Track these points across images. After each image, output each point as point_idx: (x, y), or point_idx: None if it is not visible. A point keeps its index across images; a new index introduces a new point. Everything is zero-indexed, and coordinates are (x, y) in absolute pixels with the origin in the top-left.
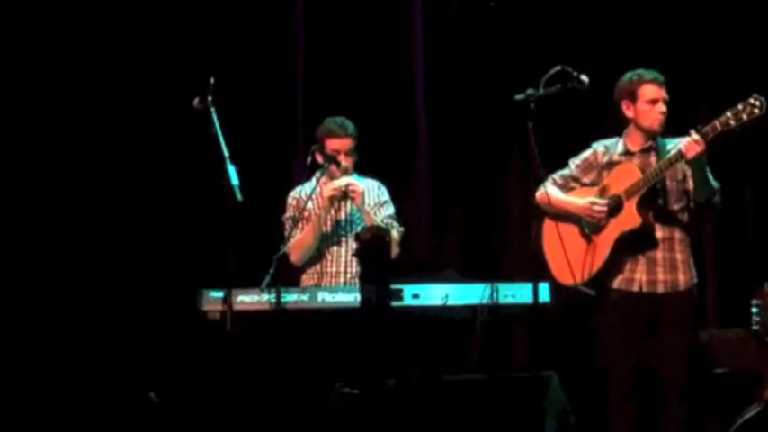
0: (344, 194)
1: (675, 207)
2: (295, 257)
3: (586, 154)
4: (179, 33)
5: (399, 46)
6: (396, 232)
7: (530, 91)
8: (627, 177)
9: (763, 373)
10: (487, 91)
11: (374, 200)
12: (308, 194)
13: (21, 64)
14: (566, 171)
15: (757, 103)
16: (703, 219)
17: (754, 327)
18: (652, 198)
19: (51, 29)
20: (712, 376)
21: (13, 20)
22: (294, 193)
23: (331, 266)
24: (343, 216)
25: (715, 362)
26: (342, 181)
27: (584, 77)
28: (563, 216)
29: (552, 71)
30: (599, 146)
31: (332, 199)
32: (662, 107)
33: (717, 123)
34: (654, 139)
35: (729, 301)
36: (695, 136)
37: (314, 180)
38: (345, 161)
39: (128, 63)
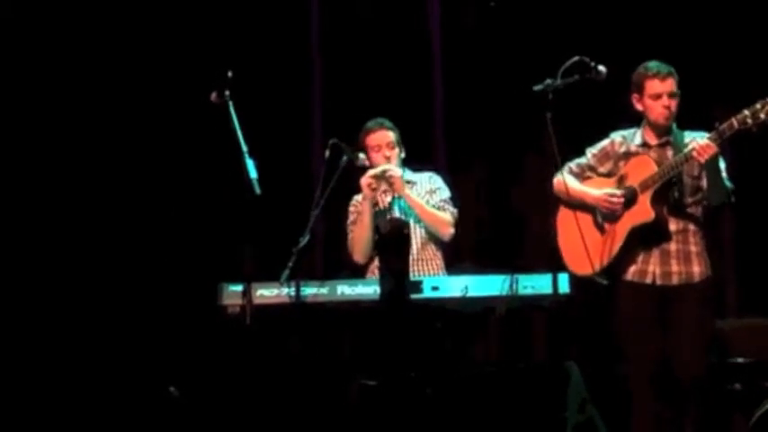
0: (386, 182)
1: (690, 200)
2: (356, 256)
3: (604, 143)
4: (197, 28)
5: (417, 38)
6: (449, 215)
7: (548, 81)
8: (643, 170)
9: None
10: (506, 82)
11: (425, 189)
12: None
13: (33, 59)
14: (582, 160)
15: None
16: (725, 208)
17: None
18: (666, 192)
19: (72, 24)
20: (733, 366)
21: (13, 19)
22: (354, 200)
23: None
24: (396, 209)
25: (736, 351)
26: (378, 169)
27: (601, 68)
28: (578, 205)
29: (570, 62)
30: (617, 136)
31: (370, 187)
32: (665, 101)
33: (734, 122)
34: (671, 133)
35: (750, 290)
36: (705, 140)
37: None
38: (390, 151)
39: (146, 58)
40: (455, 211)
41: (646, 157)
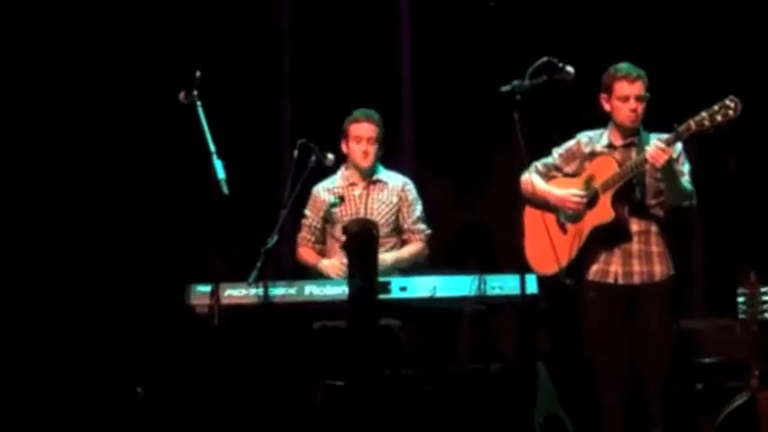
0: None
1: (652, 201)
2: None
3: (570, 143)
4: (166, 27)
5: (386, 38)
6: (421, 243)
7: (515, 82)
8: (605, 170)
9: (751, 362)
10: (474, 83)
11: (396, 193)
12: (327, 188)
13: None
14: (548, 160)
15: (732, 105)
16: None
17: (741, 316)
18: (628, 192)
19: (40, 25)
20: (700, 366)
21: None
22: (315, 188)
23: None
24: (363, 213)
25: (703, 351)
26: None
27: (569, 68)
28: (542, 205)
29: (538, 62)
30: (583, 136)
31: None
32: (632, 104)
33: (692, 123)
34: (637, 135)
35: (717, 290)
36: (660, 144)
37: (337, 174)
38: (369, 147)
39: (111, 59)
40: (428, 230)
41: (609, 158)
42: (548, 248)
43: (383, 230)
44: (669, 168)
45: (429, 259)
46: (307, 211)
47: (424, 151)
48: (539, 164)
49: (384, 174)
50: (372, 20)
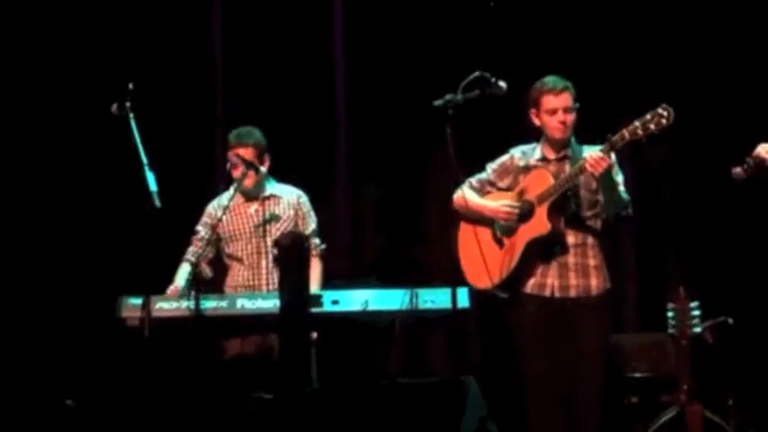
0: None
1: (588, 214)
2: None
3: (503, 158)
4: (98, 39)
5: (320, 51)
6: (318, 260)
7: (448, 97)
8: (540, 183)
9: (680, 376)
10: (408, 97)
11: (291, 206)
12: (223, 206)
13: None
14: (482, 175)
15: (665, 114)
16: (624, 224)
17: (671, 330)
18: (563, 205)
19: None
20: (630, 380)
21: None
22: (211, 204)
23: (253, 279)
24: (261, 227)
25: (633, 366)
26: None
27: (501, 83)
28: (478, 219)
29: (470, 77)
30: (516, 151)
31: None
32: (560, 116)
33: (625, 132)
34: (569, 147)
35: (648, 305)
36: (598, 152)
37: (231, 189)
38: (244, 170)
39: (45, 69)
40: (323, 245)
41: (544, 171)
42: (482, 263)
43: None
44: (608, 177)
45: (349, 273)
46: (199, 227)
47: (359, 166)
48: (473, 180)
49: (276, 188)
50: (307, 32)
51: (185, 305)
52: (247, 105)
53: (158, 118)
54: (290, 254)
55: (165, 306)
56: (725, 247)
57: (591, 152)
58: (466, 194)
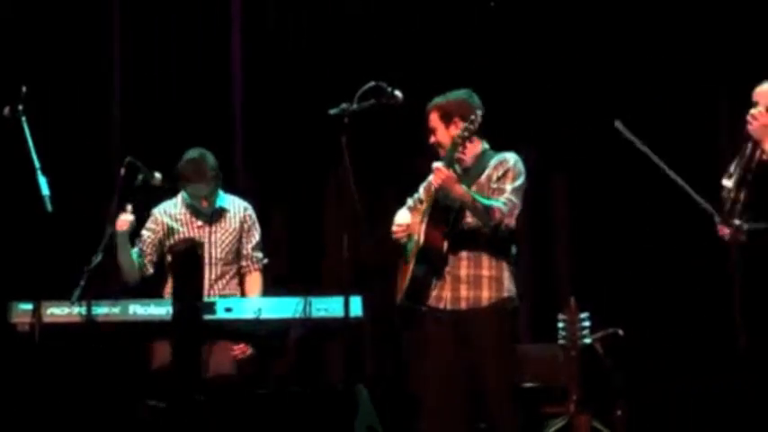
0: None
1: (479, 224)
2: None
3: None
4: None
5: (218, 59)
6: (259, 275)
7: (344, 105)
8: (427, 195)
9: (569, 387)
10: (305, 105)
11: (239, 218)
12: (168, 213)
13: None
14: (417, 194)
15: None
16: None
17: (561, 341)
18: (440, 216)
19: None
20: (520, 390)
21: None
22: (157, 210)
23: None
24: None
25: (524, 376)
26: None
27: (398, 93)
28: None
29: (366, 86)
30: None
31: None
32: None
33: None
34: (474, 156)
35: (541, 316)
36: (438, 164)
37: (178, 198)
38: (206, 203)
39: None
40: (265, 260)
41: (429, 185)
42: (400, 279)
43: (227, 258)
44: (445, 190)
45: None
46: (144, 231)
47: (256, 175)
48: (410, 199)
49: (225, 200)
50: (206, 39)
51: (77, 311)
52: (145, 112)
53: (53, 121)
54: (184, 261)
55: (57, 312)
56: (616, 259)
57: (438, 164)
58: (398, 214)
